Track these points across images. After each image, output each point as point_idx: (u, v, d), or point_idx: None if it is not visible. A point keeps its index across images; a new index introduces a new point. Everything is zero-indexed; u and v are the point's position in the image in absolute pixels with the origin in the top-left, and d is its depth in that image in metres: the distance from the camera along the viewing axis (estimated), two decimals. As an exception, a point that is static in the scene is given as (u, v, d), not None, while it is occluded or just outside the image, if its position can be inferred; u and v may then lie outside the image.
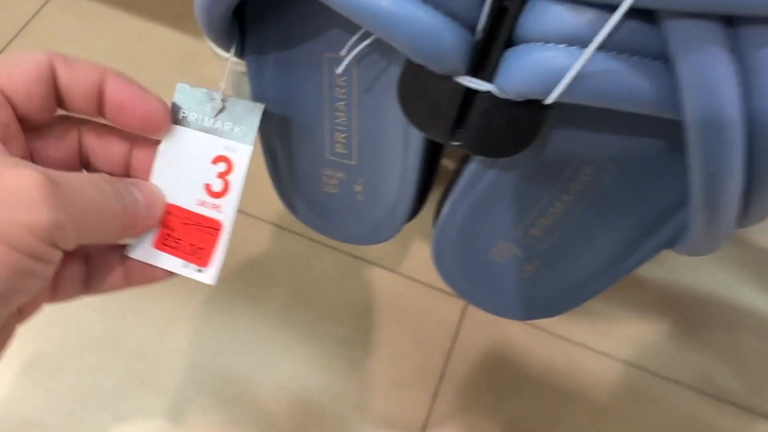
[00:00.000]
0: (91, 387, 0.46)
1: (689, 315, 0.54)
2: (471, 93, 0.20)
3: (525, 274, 0.27)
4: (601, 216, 0.25)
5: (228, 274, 0.51)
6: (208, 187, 0.24)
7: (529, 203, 0.25)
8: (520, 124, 0.20)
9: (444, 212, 0.26)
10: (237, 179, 0.24)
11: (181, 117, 0.24)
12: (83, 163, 0.24)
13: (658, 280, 0.55)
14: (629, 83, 0.17)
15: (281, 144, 0.28)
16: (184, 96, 0.24)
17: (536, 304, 0.28)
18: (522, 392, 0.49)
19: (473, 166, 0.24)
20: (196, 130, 0.24)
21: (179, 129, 0.24)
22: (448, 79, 0.20)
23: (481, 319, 0.51)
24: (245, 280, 0.51)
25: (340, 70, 0.23)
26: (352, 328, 0.50)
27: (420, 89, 0.21)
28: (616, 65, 0.17)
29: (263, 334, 0.49)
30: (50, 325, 0.48)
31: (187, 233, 0.24)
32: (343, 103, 0.26)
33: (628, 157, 0.22)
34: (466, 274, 0.28)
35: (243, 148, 0.24)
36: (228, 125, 0.24)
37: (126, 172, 0.24)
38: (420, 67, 0.20)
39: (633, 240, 0.24)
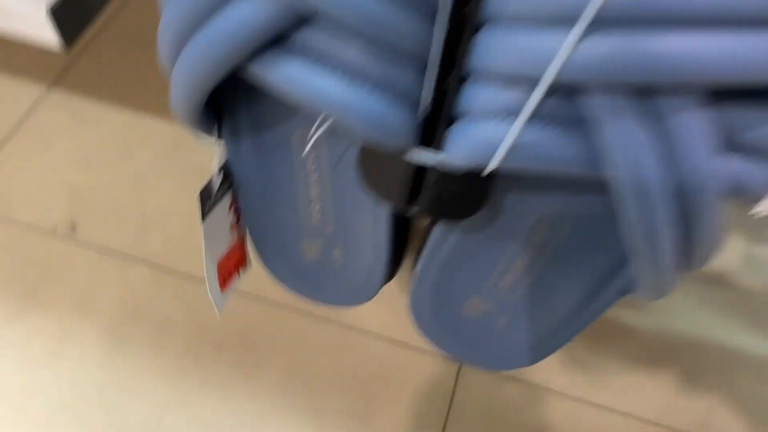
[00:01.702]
0: (90, 477, 0.46)
1: (683, 362, 0.54)
2: (422, 166, 0.22)
3: (498, 326, 0.28)
4: (562, 269, 0.26)
5: (223, 352, 0.52)
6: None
7: (494, 260, 0.26)
8: (470, 190, 0.22)
9: (416, 272, 0.28)
10: None
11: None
12: None
13: (650, 329, 0.55)
14: (558, 151, 0.19)
15: (262, 218, 0.30)
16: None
17: (512, 355, 0.29)
18: (522, 452, 0.49)
19: (438, 228, 0.26)
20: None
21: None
22: (400, 154, 0.21)
23: (476, 380, 0.52)
24: (240, 358, 0.52)
25: (305, 153, 0.25)
26: (349, 399, 0.50)
27: (377, 165, 0.22)
28: (545, 135, 0.19)
29: (261, 411, 0.49)
30: (49, 412, 0.48)
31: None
32: (316, 177, 0.28)
33: (578, 213, 0.24)
34: (443, 329, 0.29)
35: None
36: None
37: None
38: (375, 145, 0.22)
39: (593, 289, 0.26)
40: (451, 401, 0.51)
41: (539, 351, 0.28)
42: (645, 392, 0.52)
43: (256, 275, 0.34)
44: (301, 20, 0.20)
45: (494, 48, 0.19)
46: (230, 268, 0.30)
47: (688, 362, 0.54)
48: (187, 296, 0.54)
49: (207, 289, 0.29)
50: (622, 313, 0.56)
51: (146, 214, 0.60)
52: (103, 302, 0.54)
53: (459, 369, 0.52)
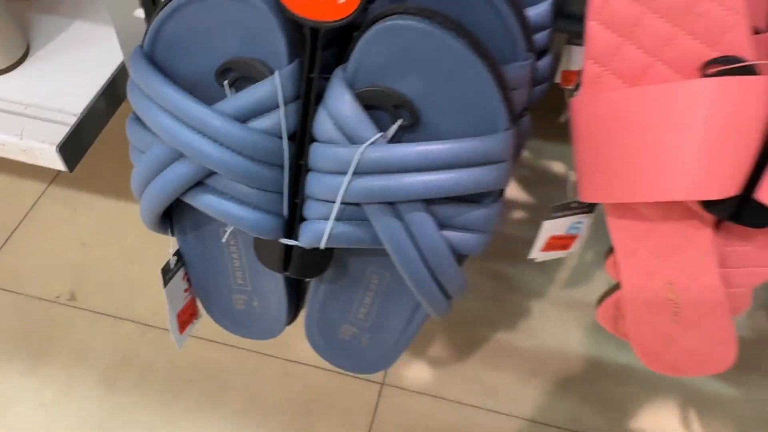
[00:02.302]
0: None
1: (557, 371, 0.69)
2: (289, 246, 0.37)
3: (363, 343, 0.43)
4: (392, 301, 0.41)
5: (194, 387, 0.66)
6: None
7: (351, 298, 0.41)
8: (318, 258, 0.37)
9: (306, 312, 0.43)
10: None
11: None
12: None
13: (530, 348, 0.70)
14: (355, 236, 0.34)
15: (204, 283, 0.45)
16: None
17: (376, 361, 0.44)
18: (430, 449, 0.63)
19: (312, 282, 0.41)
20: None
21: None
22: (275, 242, 0.37)
23: (394, 396, 0.66)
24: (209, 390, 0.66)
25: (224, 239, 0.40)
26: (295, 419, 0.64)
27: (264, 248, 0.38)
28: (347, 228, 0.34)
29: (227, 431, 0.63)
30: (59, 446, 0.62)
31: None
32: (236, 254, 0.43)
33: (392, 266, 0.39)
34: (328, 349, 0.44)
35: None
36: None
37: None
38: (261, 237, 0.37)
39: (411, 312, 0.41)
40: (374, 415, 0.65)
41: (391, 357, 0.43)
42: (527, 397, 0.67)
43: (216, 327, 0.49)
44: (210, 173, 0.35)
45: (314, 183, 0.34)
46: (186, 318, 0.45)
47: (561, 372, 0.69)
48: (165, 345, 0.68)
49: (170, 334, 0.44)
50: (508, 335, 0.71)
51: (133, 281, 0.74)
52: (99, 353, 0.68)
53: (380, 389, 0.66)
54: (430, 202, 0.34)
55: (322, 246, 0.35)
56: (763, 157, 0.34)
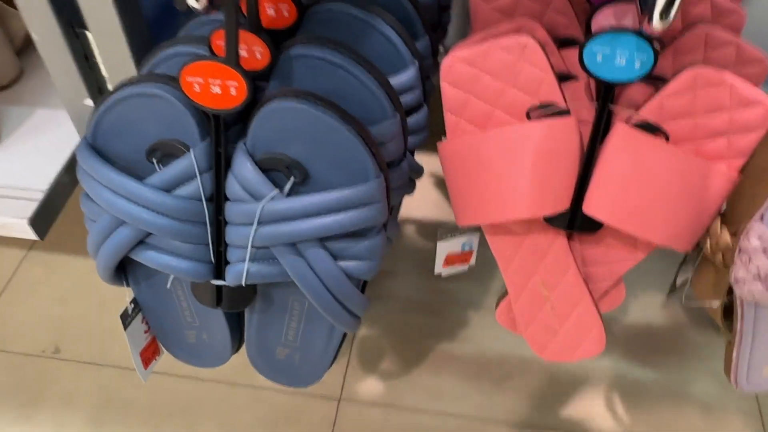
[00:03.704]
0: None
1: (496, 372, 0.77)
2: (219, 286, 0.45)
3: (296, 361, 0.51)
4: (313, 322, 0.49)
5: (175, 418, 0.73)
6: None
7: (280, 323, 0.50)
8: (243, 293, 0.45)
9: (245, 337, 0.51)
10: None
11: None
12: None
13: (471, 353, 0.78)
14: (269, 272, 0.43)
15: (159, 323, 0.53)
16: None
17: (309, 375, 0.52)
18: (386, 452, 0.71)
19: (245, 313, 0.49)
20: None
21: None
22: (207, 283, 0.45)
23: (351, 409, 0.74)
24: (187, 420, 0.73)
25: (169, 285, 0.49)
26: (264, 437, 0.72)
27: (199, 288, 0.46)
28: (260, 266, 0.43)
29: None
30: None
31: None
32: (183, 297, 0.51)
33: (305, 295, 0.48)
34: (269, 369, 0.52)
35: None
36: None
37: None
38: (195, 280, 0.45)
39: (329, 331, 0.49)
40: (333, 427, 0.73)
41: (320, 370, 0.51)
42: (470, 398, 0.75)
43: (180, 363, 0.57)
44: (148, 233, 0.44)
45: (231, 233, 0.43)
46: (149, 355, 0.53)
47: (499, 371, 0.77)
48: (144, 384, 0.76)
49: (136, 370, 0.52)
50: (450, 344, 0.79)
51: (110, 330, 0.82)
52: (85, 398, 0.76)
53: (338, 404, 0.74)
54: (323, 239, 0.42)
55: (244, 283, 0.43)
56: (584, 177, 0.44)
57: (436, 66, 0.51)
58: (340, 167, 0.41)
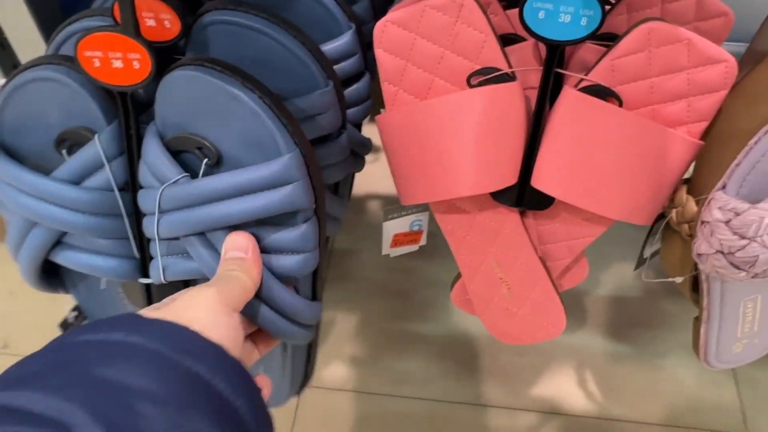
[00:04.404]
0: None
1: (461, 352, 0.74)
2: (147, 283, 0.42)
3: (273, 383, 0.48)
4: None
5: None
6: None
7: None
8: (176, 290, 0.42)
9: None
10: None
11: None
12: None
13: (436, 334, 0.75)
14: (183, 266, 0.38)
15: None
16: None
17: (277, 396, 0.48)
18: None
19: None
20: None
21: None
22: (135, 281, 0.41)
23: (314, 395, 0.71)
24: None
25: (102, 287, 0.45)
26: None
27: (129, 287, 0.42)
28: (173, 260, 0.39)
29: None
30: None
31: None
32: (127, 299, 0.47)
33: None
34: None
35: None
36: None
37: None
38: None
39: (282, 345, 0.46)
40: (295, 413, 0.70)
41: (284, 389, 0.48)
42: (436, 380, 0.72)
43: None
44: (64, 232, 0.39)
45: (146, 224, 0.39)
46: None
47: (465, 352, 0.74)
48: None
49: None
50: (416, 325, 0.76)
51: (61, 324, 0.78)
52: (33, 397, 0.72)
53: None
54: (238, 228, 0.37)
55: (163, 280, 0.39)
56: (532, 149, 0.40)
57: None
58: (251, 144, 0.35)
